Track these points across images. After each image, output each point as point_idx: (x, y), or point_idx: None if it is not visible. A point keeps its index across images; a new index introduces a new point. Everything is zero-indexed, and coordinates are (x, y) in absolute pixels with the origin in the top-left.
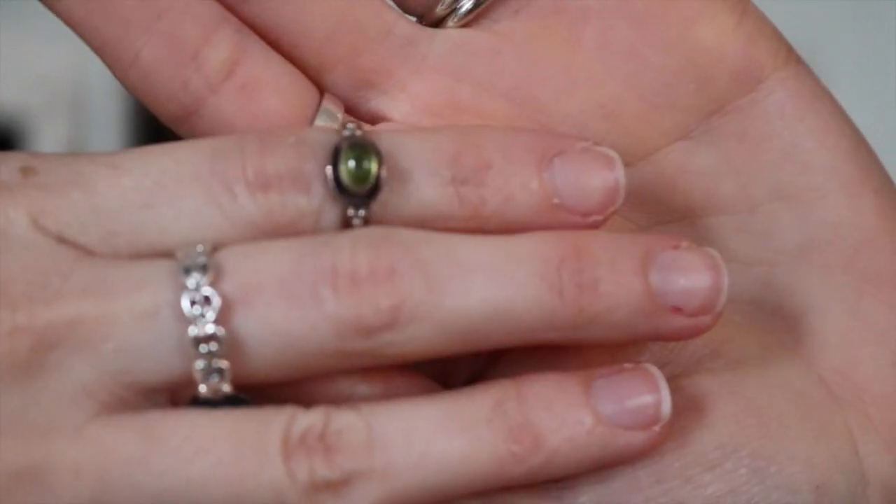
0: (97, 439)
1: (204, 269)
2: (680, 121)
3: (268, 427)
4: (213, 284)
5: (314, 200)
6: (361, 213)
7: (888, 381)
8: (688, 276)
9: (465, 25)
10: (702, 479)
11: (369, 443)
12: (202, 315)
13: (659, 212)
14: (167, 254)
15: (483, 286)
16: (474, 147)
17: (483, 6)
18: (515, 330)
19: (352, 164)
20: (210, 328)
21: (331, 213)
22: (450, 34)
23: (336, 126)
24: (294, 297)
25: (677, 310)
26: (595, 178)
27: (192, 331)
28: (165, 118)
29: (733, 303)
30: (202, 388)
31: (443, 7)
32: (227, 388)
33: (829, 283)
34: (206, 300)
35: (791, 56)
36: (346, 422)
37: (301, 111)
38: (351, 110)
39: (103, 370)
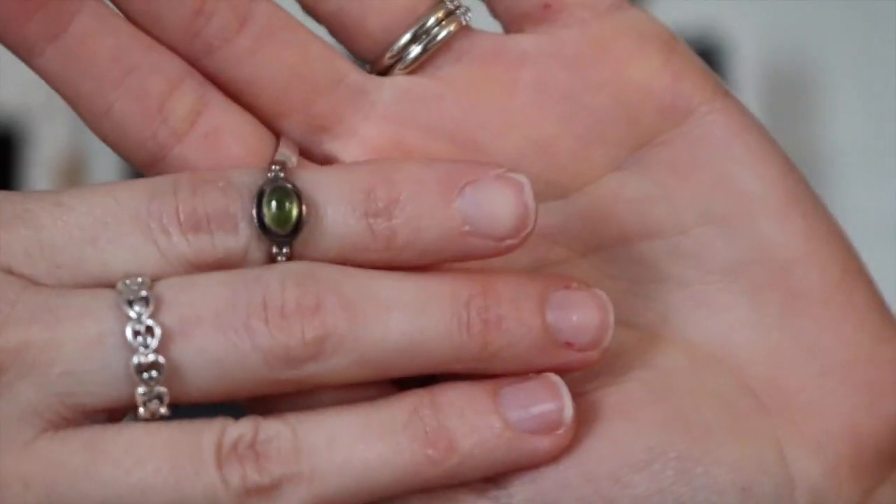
0: (45, 453)
1: (145, 301)
2: (611, 155)
3: (201, 437)
4: (153, 316)
5: (241, 240)
6: (285, 250)
7: (815, 391)
8: (579, 314)
9: (411, 72)
10: (630, 479)
11: (296, 450)
12: (144, 344)
13: (594, 239)
14: (109, 284)
15: (399, 321)
16: (386, 181)
17: (428, 54)
18: (426, 361)
19: (274, 206)
20: (152, 357)
21: (257, 251)
22: (397, 81)
23: (274, 169)
24: (228, 329)
25: (569, 345)
26: (504, 204)
27: (136, 359)
28: (135, 163)
29: (663, 342)
30: (141, 411)
31: (391, 56)
32: (164, 410)
33: (758, 300)
34: (149, 330)
35: (718, 89)
36: (273, 431)
37: (259, 156)
38: (305, 153)
39: (50, 392)
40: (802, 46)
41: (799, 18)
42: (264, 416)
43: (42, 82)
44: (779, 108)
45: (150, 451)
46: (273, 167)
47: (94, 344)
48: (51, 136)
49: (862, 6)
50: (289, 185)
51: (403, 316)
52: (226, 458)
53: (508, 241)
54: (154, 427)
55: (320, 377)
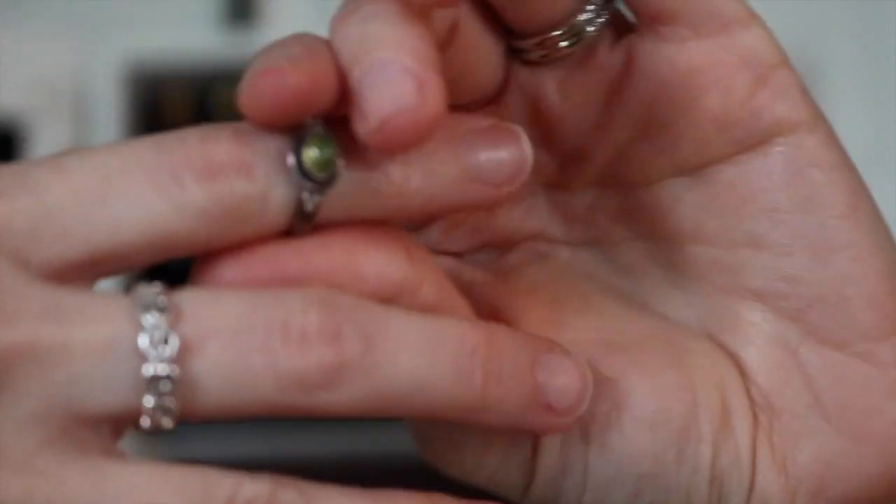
0: (46, 471)
1: (163, 309)
2: (679, 165)
3: (214, 489)
4: (171, 326)
5: (258, 186)
6: (316, 198)
7: (798, 420)
8: (564, 378)
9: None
10: (636, 435)
11: None
12: (158, 354)
13: (651, 230)
14: (122, 245)
15: (410, 359)
16: None
17: (571, 49)
18: (427, 404)
19: (315, 151)
20: (164, 368)
21: (275, 198)
22: None
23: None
24: (245, 347)
25: (549, 407)
26: (505, 152)
27: (148, 369)
28: None
29: (690, 330)
30: (145, 422)
31: (536, 42)
32: (169, 424)
33: (777, 327)
34: (164, 340)
35: (801, 125)
36: (289, 498)
37: None
38: None
39: (54, 397)
40: (803, 46)
41: (800, 18)
42: (282, 482)
43: (42, 83)
44: None
45: (158, 493)
46: (307, 119)
47: (105, 350)
48: (51, 136)
49: (863, 6)
50: (325, 134)
51: (413, 355)
52: None
53: (506, 188)
54: (164, 467)
55: (327, 407)
